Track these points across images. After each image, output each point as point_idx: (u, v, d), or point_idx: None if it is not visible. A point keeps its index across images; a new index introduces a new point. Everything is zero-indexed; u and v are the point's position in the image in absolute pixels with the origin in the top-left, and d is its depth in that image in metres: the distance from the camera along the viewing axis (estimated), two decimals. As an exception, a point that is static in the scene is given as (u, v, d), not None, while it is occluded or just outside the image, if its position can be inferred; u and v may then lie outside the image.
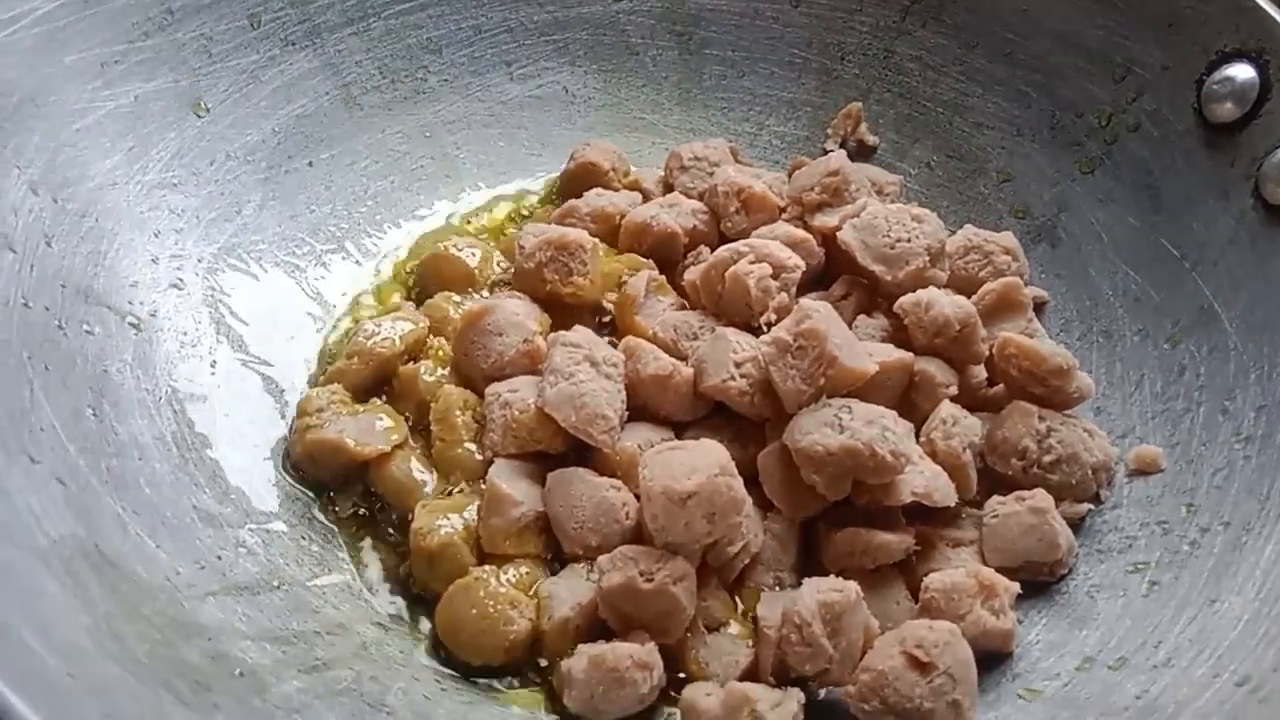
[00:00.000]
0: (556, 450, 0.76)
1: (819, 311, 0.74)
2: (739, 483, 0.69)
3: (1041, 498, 0.74)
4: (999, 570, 0.73)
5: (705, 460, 0.68)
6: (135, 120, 0.83)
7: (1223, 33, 0.83)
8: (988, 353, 0.81)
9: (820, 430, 0.71)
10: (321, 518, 0.78)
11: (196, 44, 0.87)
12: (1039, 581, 0.75)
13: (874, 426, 0.71)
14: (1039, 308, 0.89)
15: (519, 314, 0.81)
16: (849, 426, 0.71)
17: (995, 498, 0.76)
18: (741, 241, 0.83)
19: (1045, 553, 0.74)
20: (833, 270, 0.88)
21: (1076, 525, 0.77)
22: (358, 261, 0.93)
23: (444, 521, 0.73)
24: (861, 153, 1.01)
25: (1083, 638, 0.72)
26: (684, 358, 0.81)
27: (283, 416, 0.82)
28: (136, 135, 0.83)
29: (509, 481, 0.74)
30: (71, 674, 0.54)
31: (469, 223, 0.97)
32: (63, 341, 0.72)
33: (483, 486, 0.75)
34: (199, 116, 0.85)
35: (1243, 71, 0.82)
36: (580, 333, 0.78)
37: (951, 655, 0.65)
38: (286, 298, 0.88)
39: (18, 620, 0.55)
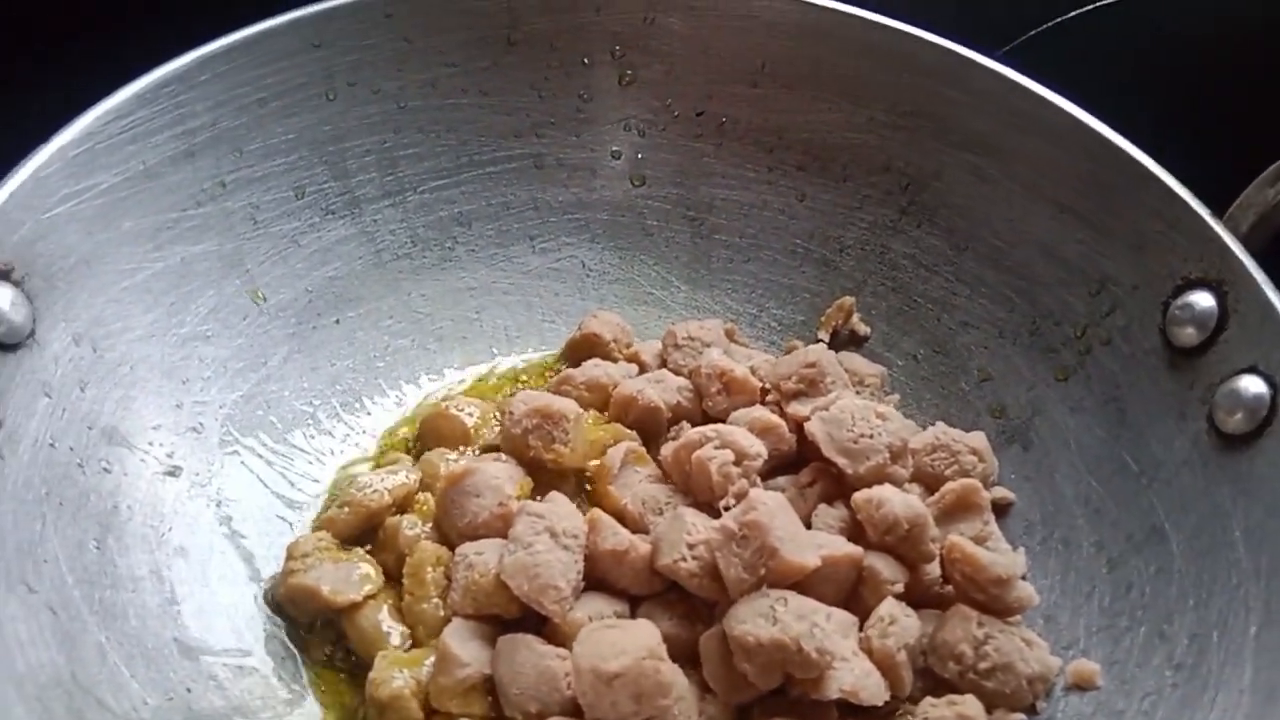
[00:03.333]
0: (512, 615, 0.81)
1: (765, 504, 0.78)
2: (668, 665, 0.73)
3: (971, 704, 0.76)
4: (925, 773, 0.75)
5: (635, 642, 0.72)
6: (180, 279, 0.92)
7: (1188, 259, 0.87)
8: (938, 552, 0.83)
9: (754, 620, 0.74)
10: (296, 657, 0.84)
11: (244, 212, 0.97)
12: (965, 788, 0.76)
13: (804, 622, 0.74)
14: (1004, 509, 0.92)
15: (498, 478, 0.87)
16: (781, 619, 0.74)
17: (928, 699, 0.78)
18: (710, 426, 0.88)
19: (969, 760, 0.75)
20: (805, 455, 0.92)
21: (1009, 735, 0.78)
22: (369, 412, 1.00)
23: (398, 675, 0.78)
24: (854, 341, 1.06)
25: None
26: (648, 531, 0.85)
27: (279, 557, 0.88)
28: (179, 292, 0.91)
29: (460, 642, 0.78)
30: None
31: (477, 383, 1.05)
32: (80, 479, 0.80)
33: (440, 643, 0.80)
34: (254, 298, 0.95)
35: (1204, 299, 0.85)
36: (547, 504, 0.84)
37: None
38: (298, 445, 0.96)
39: (-21, 744, 0.61)
